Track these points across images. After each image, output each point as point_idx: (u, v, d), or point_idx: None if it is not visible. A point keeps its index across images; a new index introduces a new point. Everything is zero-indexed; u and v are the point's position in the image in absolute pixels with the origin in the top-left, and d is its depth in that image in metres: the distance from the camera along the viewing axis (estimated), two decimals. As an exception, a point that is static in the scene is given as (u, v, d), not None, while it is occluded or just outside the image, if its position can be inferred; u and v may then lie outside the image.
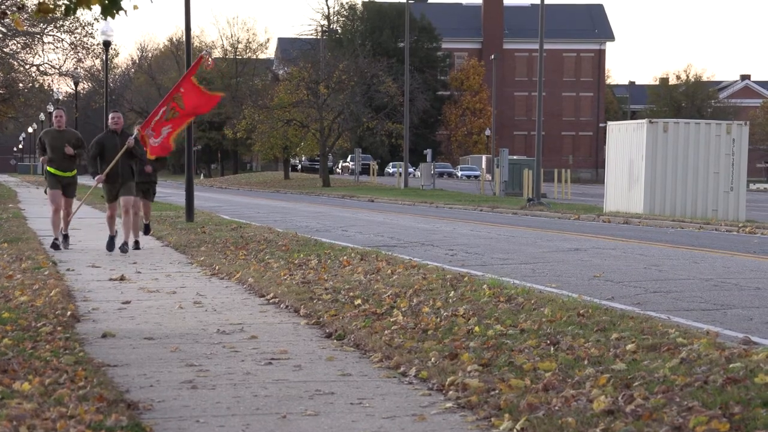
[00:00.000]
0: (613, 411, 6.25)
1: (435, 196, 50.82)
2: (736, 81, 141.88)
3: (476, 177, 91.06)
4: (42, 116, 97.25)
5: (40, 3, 9.34)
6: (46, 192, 18.30)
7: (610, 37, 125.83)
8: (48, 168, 17.96)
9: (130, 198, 17.60)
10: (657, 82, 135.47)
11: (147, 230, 21.05)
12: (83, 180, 19.73)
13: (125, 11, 9.41)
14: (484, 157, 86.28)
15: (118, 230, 18.18)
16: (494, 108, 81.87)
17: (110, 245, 17.59)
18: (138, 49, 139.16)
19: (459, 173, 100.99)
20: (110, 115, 18.00)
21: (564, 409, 6.39)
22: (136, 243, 18.33)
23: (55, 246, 17.77)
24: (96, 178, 17.48)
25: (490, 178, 64.18)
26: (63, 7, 9.20)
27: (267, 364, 8.21)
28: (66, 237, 18.40)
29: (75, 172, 18.11)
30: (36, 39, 58.93)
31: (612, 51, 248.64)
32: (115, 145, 17.37)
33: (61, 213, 18.09)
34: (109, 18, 9.31)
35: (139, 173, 18.65)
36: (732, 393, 6.51)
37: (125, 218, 17.63)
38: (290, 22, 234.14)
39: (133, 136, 17.54)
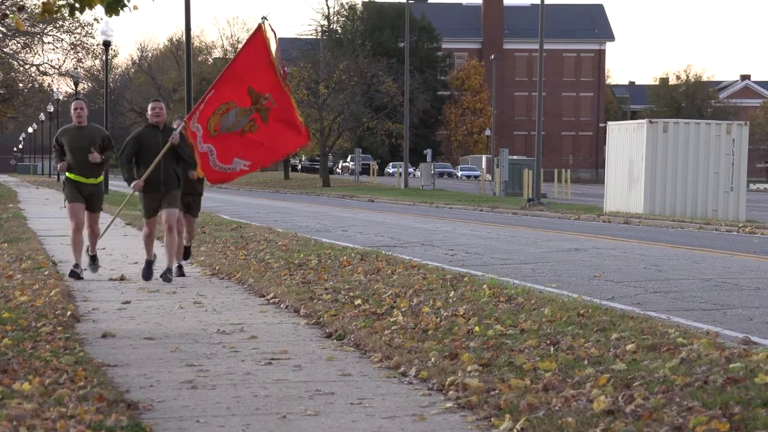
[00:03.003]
0: (613, 411, 6.26)
1: (435, 196, 50.82)
2: (736, 81, 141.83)
3: (476, 177, 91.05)
4: (42, 116, 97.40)
5: (44, 3, 9.35)
6: (64, 206, 14.40)
7: (610, 37, 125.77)
8: (67, 174, 14.09)
9: (174, 211, 13.78)
10: (657, 82, 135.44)
11: (187, 254, 15.41)
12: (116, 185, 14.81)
13: (129, 7, 9.42)
14: (484, 157, 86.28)
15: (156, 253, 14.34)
16: (494, 108, 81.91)
17: (148, 272, 13.87)
18: (138, 49, 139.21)
19: (459, 173, 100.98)
20: (150, 105, 13.94)
21: (564, 409, 6.39)
22: (180, 268, 14.58)
23: (74, 275, 13.93)
24: (132, 185, 13.64)
25: (490, 178, 64.18)
26: (68, 8, 9.21)
27: (267, 364, 8.21)
28: (94, 258, 14.44)
29: (101, 178, 14.31)
30: (36, 39, 58.98)
31: (612, 51, 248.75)
32: (156, 144, 13.52)
33: (84, 231, 14.28)
34: (109, 17, 9.33)
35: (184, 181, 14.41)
36: (732, 393, 6.51)
37: (169, 238, 13.76)
38: (290, 22, 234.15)
39: (178, 130, 13.56)
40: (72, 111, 14.08)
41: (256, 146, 13.70)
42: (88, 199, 14.08)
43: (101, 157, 13.87)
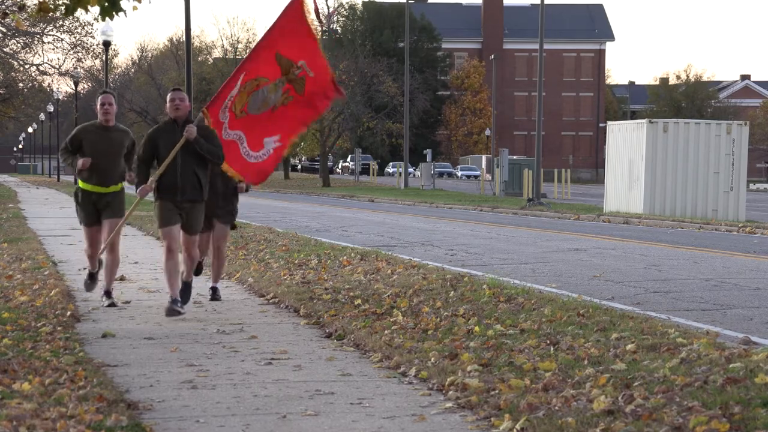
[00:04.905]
0: (613, 411, 6.26)
1: (435, 196, 50.80)
2: (736, 81, 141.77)
3: (476, 177, 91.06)
4: (42, 116, 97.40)
5: (40, 3, 9.37)
6: (81, 222, 11.76)
7: (610, 37, 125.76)
8: (80, 183, 11.50)
9: (194, 239, 11.05)
10: (657, 82, 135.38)
11: (198, 269, 12.25)
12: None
13: (125, 12, 9.43)
14: (484, 157, 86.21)
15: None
16: (494, 108, 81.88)
17: (174, 309, 10.61)
18: (138, 49, 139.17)
19: (459, 173, 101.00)
20: (169, 96, 10.96)
21: (564, 409, 6.39)
22: (214, 291, 12.19)
23: (92, 277, 11.86)
24: (139, 190, 10.92)
25: (490, 178, 64.16)
26: (63, 8, 9.23)
27: (267, 364, 8.21)
28: (108, 295, 11.65)
29: (121, 185, 11.69)
30: (36, 39, 58.97)
31: (612, 51, 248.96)
32: (176, 141, 10.79)
33: (101, 243, 11.68)
34: (108, 19, 9.34)
35: (223, 195, 11.86)
36: (732, 393, 6.51)
37: (188, 262, 11.17)
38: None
39: (195, 122, 11.01)
40: (98, 106, 11.49)
41: (287, 118, 11.59)
42: (105, 207, 11.52)
43: (132, 176, 11.33)
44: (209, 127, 10.97)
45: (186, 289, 11.11)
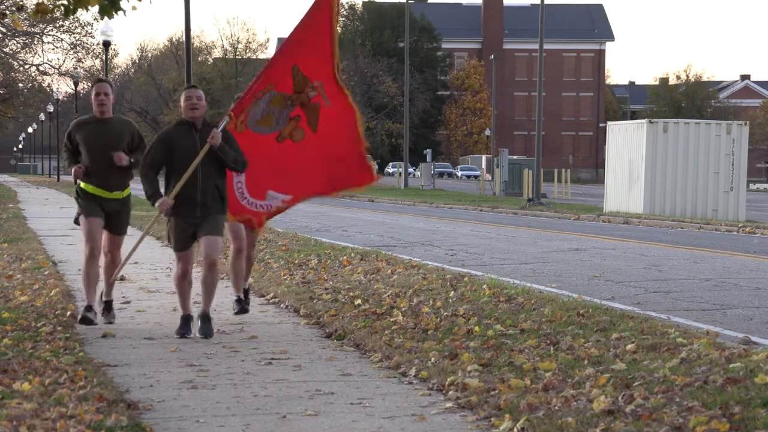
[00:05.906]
0: (613, 411, 6.26)
1: (435, 196, 50.80)
2: (736, 81, 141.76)
3: (476, 177, 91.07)
4: (42, 116, 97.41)
5: (38, 3, 9.37)
6: (77, 221, 10.34)
7: (610, 37, 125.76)
8: (82, 184, 10.10)
9: (217, 241, 9.57)
10: (657, 82, 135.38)
11: (244, 304, 10.78)
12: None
13: (124, 11, 9.44)
14: (484, 157, 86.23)
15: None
16: (494, 108, 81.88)
17: (185, 328, 9.57)
18: (138, 49, 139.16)
19: (459, 173, 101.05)
20: (184, 95, 9.59)
21: (564, 409, 6.39)
22: (240, 301, 10.73)
23: (86, 321, 9.94)
24: (158, 204, 9.49)
25: (490, 178, 64.19)
26: (62, 8, 9.23)
27: (267, 364, 8.22)
28: (108, 305, 10.38)
29: (128, 191, 10.28)
30: (36, 39, 58.98)
31: (612, 51, 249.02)
32: (192, 147, 9.44)
33: (102, 260, 10.33)
34: (107, 18, 9.34)
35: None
36: (732, 393, 6.51)
37: (210, 275, 9.67)
38: (290, 22, 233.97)
39: (220, 127, 9.54)
40: (93, 97, 10.04)
41: (298, 170, 10.04)
42: (109, 216, 10.16)
43: (129, 158, 10.02)
44: (227, 131, 9.64)
45: (206, 320, 9.64)
